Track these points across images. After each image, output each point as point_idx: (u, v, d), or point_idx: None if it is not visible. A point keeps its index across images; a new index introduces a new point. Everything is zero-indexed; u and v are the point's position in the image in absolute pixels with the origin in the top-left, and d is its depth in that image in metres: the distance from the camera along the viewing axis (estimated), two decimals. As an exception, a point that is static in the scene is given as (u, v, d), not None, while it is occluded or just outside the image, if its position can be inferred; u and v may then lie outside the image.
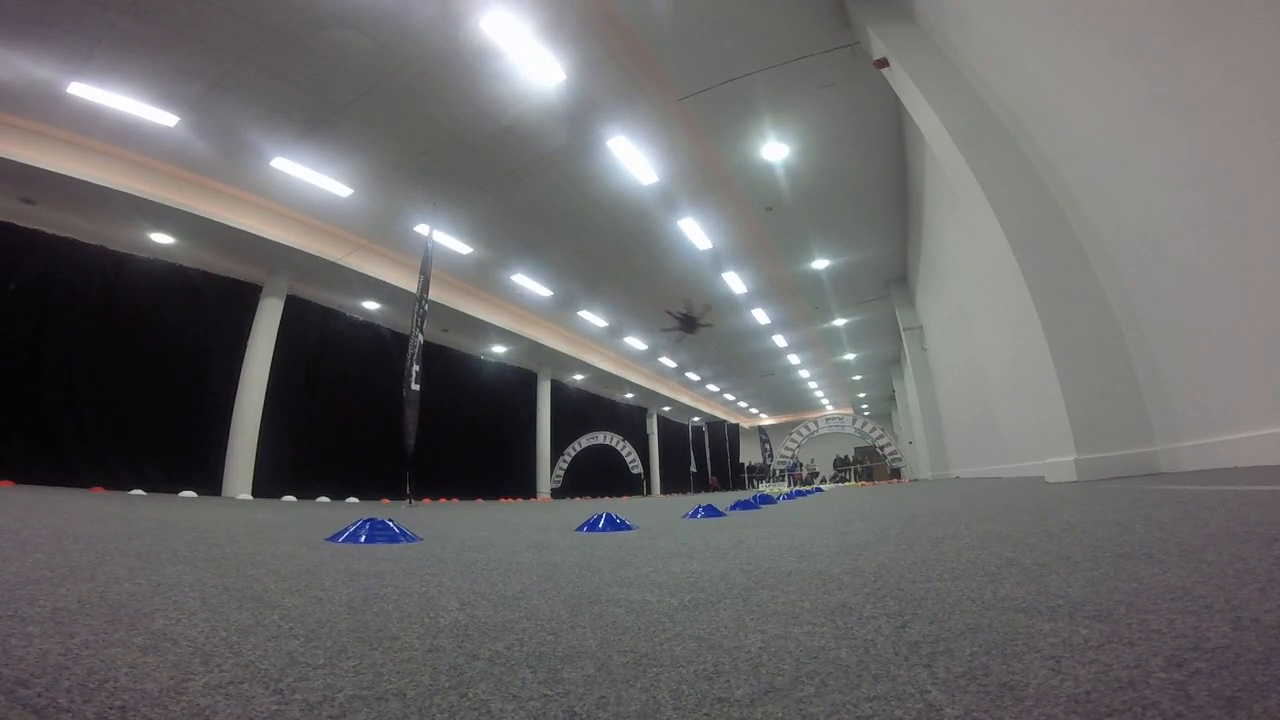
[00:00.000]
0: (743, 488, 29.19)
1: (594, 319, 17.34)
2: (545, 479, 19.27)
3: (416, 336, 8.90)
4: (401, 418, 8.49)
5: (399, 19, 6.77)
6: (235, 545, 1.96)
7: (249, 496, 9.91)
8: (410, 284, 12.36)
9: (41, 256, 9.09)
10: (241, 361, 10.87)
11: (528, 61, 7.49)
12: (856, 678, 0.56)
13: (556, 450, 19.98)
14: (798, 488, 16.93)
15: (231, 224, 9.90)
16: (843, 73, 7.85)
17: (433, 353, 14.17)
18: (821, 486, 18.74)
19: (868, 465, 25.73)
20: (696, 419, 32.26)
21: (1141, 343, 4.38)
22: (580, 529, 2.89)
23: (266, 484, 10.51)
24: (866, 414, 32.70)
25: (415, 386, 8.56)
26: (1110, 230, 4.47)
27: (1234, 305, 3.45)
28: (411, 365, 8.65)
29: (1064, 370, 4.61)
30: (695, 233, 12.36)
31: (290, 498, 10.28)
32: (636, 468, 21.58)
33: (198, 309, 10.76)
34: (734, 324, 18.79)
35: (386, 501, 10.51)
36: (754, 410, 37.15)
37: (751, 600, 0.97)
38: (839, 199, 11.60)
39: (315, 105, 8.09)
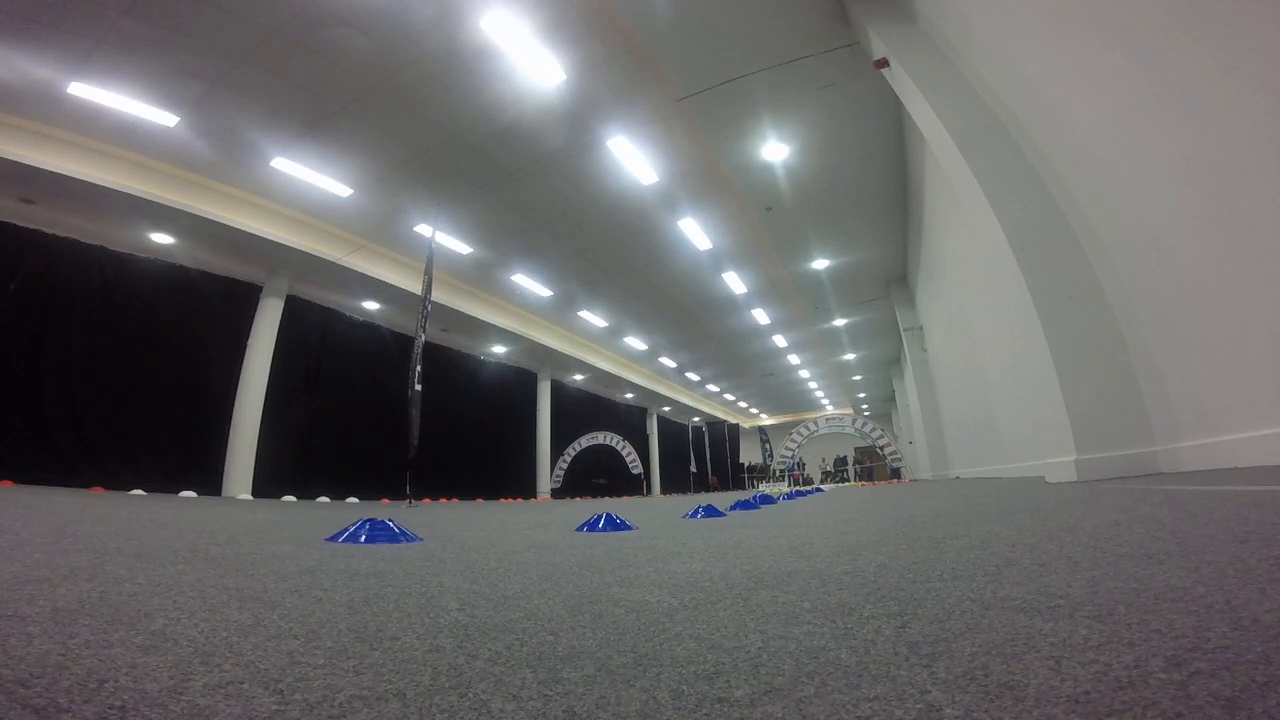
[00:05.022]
0: (743, 488, 29.18)
1: (594, 319, 17.34)
2: (545, 479, 19.26)
3: (420, 337, 8.90)
4: (405, 418, 8.48)
5: (399, 19, 6.77)
6: (235, 545, 1.96)
7: (249, 496, 9.91)
8: (410, 284, 12.36)
9: (41, 256, 9.08)
10: (241, 361, 10.86)
11: (528, 61, 7.49)
12: (856, 678, 0.56)
13: (556, 450, 19.98)
14: (798, 488, 16.94)
15: (231, 224, 9.89)
16: (843, 73, 7.85)
17: (433, 353, 14.15)
18: (822, 487, 18.74)
19: (868, 465, 25.73)
20: (696, 419, 32.25)
21: (1141, 343, 4.38)
22: (580, 529, 2.89)
23: (266, 484, 10.50)
24: (866, 414, 32.71)
25: (418, 386, 8.56)
26: (1110, 230, 4.47)
27: (1234, 305, 3.45)
28: (415, 365, 8.65)
29: (1064, 370, 4.61)
30: (695, 233, 12.36)
31: (290, 498, 10.28)
32: (636, 468, 21.57)
33: (198, 309, 10.75)
34: (734, 324, 18.78)
35: (386, 501, 10.51)
36: (754, 410, 37.15)
37: (751, 600, 0.97)
38: (839, 199, 11.59)
39: (315, 105, 8.09)
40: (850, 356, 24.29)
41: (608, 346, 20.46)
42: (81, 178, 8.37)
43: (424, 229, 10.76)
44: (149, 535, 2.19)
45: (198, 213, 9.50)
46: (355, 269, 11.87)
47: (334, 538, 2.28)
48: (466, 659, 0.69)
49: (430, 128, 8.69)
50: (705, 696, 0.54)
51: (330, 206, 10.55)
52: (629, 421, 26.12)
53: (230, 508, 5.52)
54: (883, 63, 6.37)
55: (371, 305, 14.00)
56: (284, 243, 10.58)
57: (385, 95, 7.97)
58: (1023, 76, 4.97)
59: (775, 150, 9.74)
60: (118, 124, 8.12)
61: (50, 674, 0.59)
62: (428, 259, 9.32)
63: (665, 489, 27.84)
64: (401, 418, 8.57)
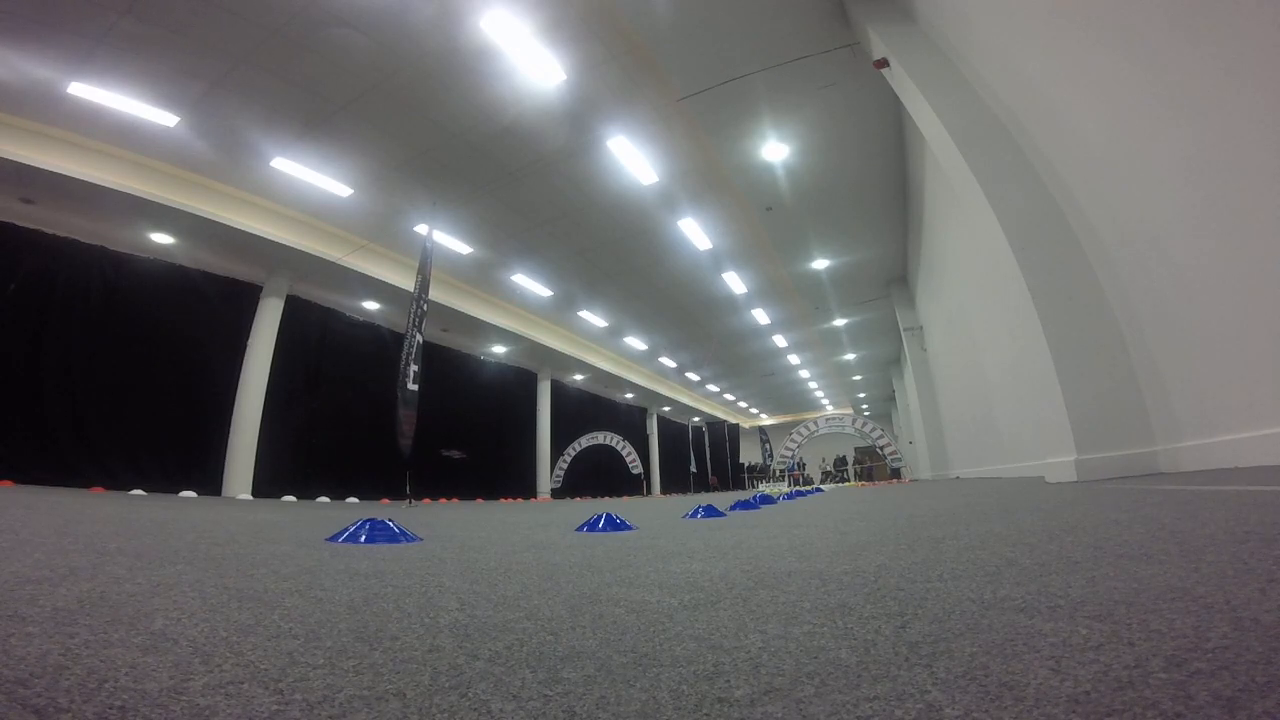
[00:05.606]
0: (743, 488, 29.19)
1: (594, 319, 17.34)
2: (545, 479, 19.26)
3: (414, 336, 8.83)
4: (393, 416, 8.44)
5: (399, 19, 6.77)
6: (235, 545, 1.96)
7: (249, 496, 9.90)
8: (411, 284, 12.36)
9: (41, 256, 9.07)
10: (241, 361, 10.85)
11: (528, 61, 7.49)
12: (856, 678, 0.56)
13: (556, 450, 19.98)
14: (798, 488, 16.94)
15: (231, 224, 9.89)
16: (843, 73, 7.85)
17: (433, 353, 14.14)
18: (822, 487, 18.75)
19: (868, 465, 25.72)
20: (696, 419, 32.24)
21: (1141, 343, 4.38)
22: (580, 529, 2.89)
23: (266, 484, 10.50)
24: (866, 414, 32.70)
25: (413, 386, 8.51)
26: (1110, 230, 4.47)
27: (1234, 305, 3.45)
28: (409, 364, 8.60)
29: (1064, 370, 4.61)
30: (695, 233, 12.35)
31: (290, 498, 10.27)
32: (636, 468, 21.57)
33: (198, 309, 10.74)
34: (734, 324, 18.78)
35: (386, 501, 10.51)
36: (754, 410, 37.14)
37: (751, 600, 0.97)
38: (839, 199, 11.59)
39: (315, 105, 8.09)
40: (850, 356, 24.28)
41: (608, 346, 20.45)
42: (81, 178, 8.36)
43: (423, 228, 10.77)
44: (149, 535, 2.19)
45: (198, 213, 9.50)
46: (355, 269, 11.86)
47: (334, 538, 2.28)
48: (466, 659, 0.69)
49: (430, 128, 8.69)
50: (705, 696, 0.54)
51: (330, 206, 10.54)
52: (629, 421, 26.11)
53: (230, 508, 5.52)
54: (883, 63, 6.36)
55: (371, 305, 14.00)
56: (284, 243, 10.58)
57: (385, 95, 7.97)
58: (1023, 76, 4.97)
59: (775, 150, 9.73)
60: (118, 124, 8.12)
61: (50, 674, 0.59)
62: (421, 257, 9.28)
63: (665, 489, 27.84)
64: (408, 418, 8.52)
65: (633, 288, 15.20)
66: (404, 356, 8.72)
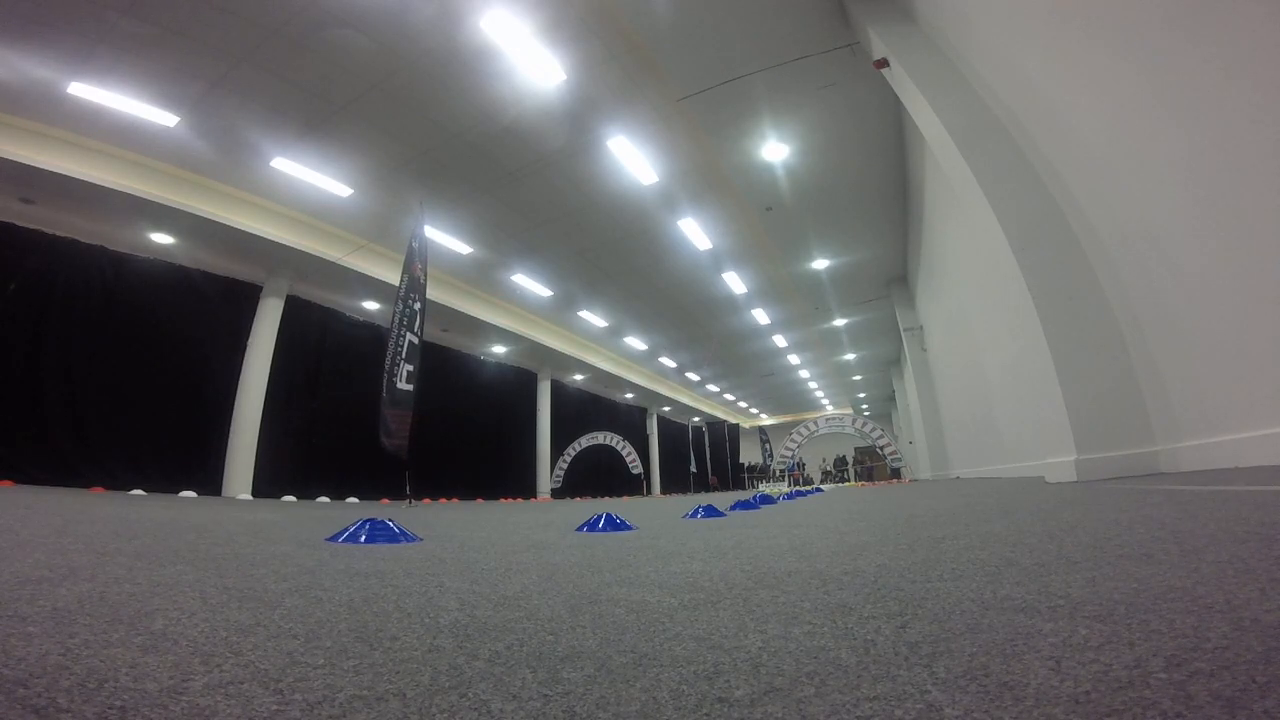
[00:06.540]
0: (743, 488, 29.19)
1: (594, 319, 17.34)
2: (545, 479, 19.26)
3: (404, 335, 8.63)
4: (377, 415, 8.36)
5: (399, 19, 6.77)
6: (235, 545, 1.96)
7: (249, 496, 9.90)
8: (410, 284, 12.33)
9: (41, 256, 9.07)
10: (241, 361, 10.85)
11: (528, 61, 7.49)
12: (856, 678, 0.56)
13: (556, 450, 19.98)
14: (798, 488, 16.94)
15: (231, 224, 9.89)
16: (843, 73, 7.85)
17: (432, 352, 14.14)
18: (822, 487, 18.75)
19: (868, 465, 25.73)
20: (696, 419, 32.24)
21: (1141, 343, 4.38)
22: (580, 529, 2.89)
23: (266, 484, 10.49)
24: (866, 414, 32.70)
25: (405, 386, 8.38)
26: (1110, 230, 4.47)
27: (1234, 305, 3.45)
28: (398, 363, 8.46)
29: (1064, 370, 4.61)
30: (695, 233, 12.36)
31: (290, 498, 10.27)
32: (636, 468, 21.57)
33: (198, 309, 10.73)
34: (734, 324, 18.78)
35: (386, 501, 10.51)
36: (754, 410, 37.14)
37: (751, 600, 0.97)
38: (839, 199, 11.59)
39: (315, 105, 8.09)
40: (850, 356, 24.28)
41: (608, 346, 20.46)
42: (81, 178, 8.37)
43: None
44: (149, 535, 2.19)
45: (198, 213, 9.50)
46: (355, 269, 11.87)
47: (334, 538, 2.28)
48: (466, 659, 0.69)
49: (430, 128, 8.69)
50: (705, 696, 0.54)
51: (330, 206, 10.54)
52: (629, 421, 26.10)
53: (230, 508, 5.52)
54: (883, 63, 6.36)
55: (371, 305, 14.00)
56: (284, 243, 10.58)
57: (385, 95, 7.97)
58: (1023, 76, 4.97)
59: (775, 150, 9.73)
60: (118, 124, 8.12)
61: (50, 674, 0.59)
62: (407, 256, 9.13)
63: (665, 489, 27.84)
64: (397, 418, 8.44)
65: (633, 288, 15.20)
66: (390, 355, 8.58)
